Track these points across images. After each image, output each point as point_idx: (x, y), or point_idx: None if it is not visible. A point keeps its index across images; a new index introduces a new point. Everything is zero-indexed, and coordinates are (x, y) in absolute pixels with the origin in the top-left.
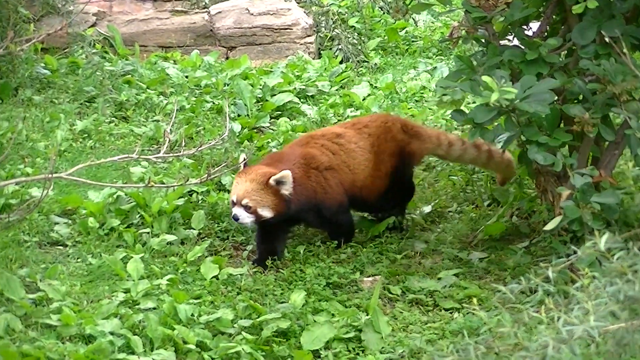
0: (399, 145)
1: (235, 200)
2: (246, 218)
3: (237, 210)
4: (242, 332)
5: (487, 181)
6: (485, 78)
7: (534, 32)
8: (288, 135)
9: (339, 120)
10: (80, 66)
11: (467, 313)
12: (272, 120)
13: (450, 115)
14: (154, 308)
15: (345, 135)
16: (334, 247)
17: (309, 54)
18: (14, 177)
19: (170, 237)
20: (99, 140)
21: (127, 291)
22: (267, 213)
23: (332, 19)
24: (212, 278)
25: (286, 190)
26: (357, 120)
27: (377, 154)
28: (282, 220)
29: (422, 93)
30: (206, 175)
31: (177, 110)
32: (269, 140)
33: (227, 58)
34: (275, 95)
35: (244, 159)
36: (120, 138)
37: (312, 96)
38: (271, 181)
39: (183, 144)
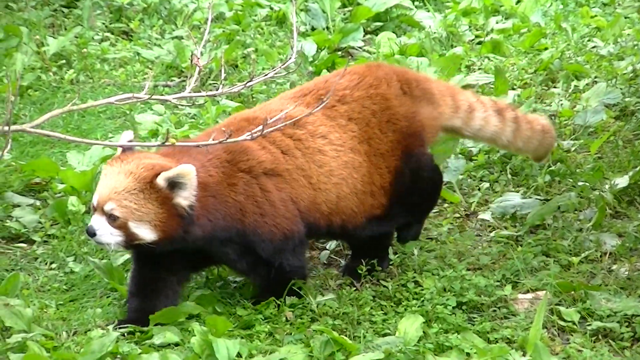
0: (404, 122)
1: (95, 204)
2: (108, 235)
3: (96, 221)
4: None
5: None
6: None
7: None
8: (393, 62)
9: (476, 42)
10: None
11: None
12: (368, 36)
13: None
14: (176, 344)
15: (307, 122)
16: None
17: None
18: None
19: None
20: (84, 70)
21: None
22: (145, 233)
23: None
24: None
25: (184, 199)
26: (322, 83)
27: (368, 150)
28: (175, 251)
29: None
30: (260, 127)
31: (212, 20)
32: None
33: None
34: None
35: (130, 139)
36: (120, 66)
37: None
38: (159, 180)
39: (222, 75)
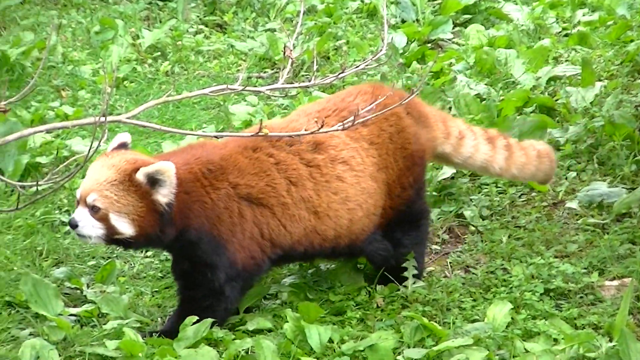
0: (415, 146)
1: (79, 197)
2: (90, 228)
3: (79, 213)
4: None
5: None
6: None
7: None
8: (482, 54)
9: (563, 34)
10: None
11: None
12: (457, 29)
13: None
14: (269, 330)
15: (329, 146)
16: (165, 321)
17: None
18: (43, 120)
19: None
20: (178, 62)
21: None
22: (124, 227)
23: None
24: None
25: (163, 196)
26: (340, 102)
27: (385, 178)
28: (152, 247)
29: None
30: (351, 118)
31: (303, 12)
32: (452, 61)
33: None
34: None
35: (123, 143)
36: (214, 58)
37: None
38: (139, 174)
39: (314, 67)
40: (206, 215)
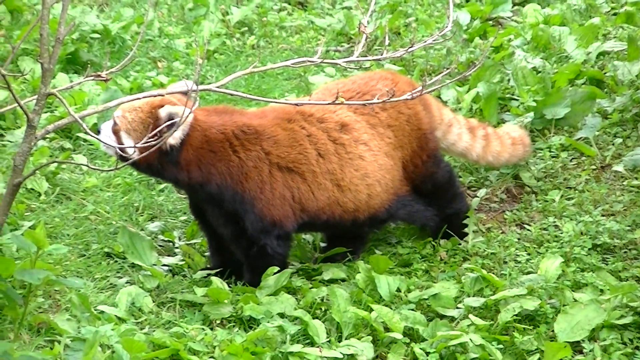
0: (426, 126)
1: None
2: (107, 137)
3: (107, 123)
4: (470, 316)
5: None
6: None
7: None
8: (538, 31)
9: (612, 13)
10: None
11: None
12: (516, 8)
13: None
14: (342, 280)
15: (353, 128)
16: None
17: None
18: (141, 88)
19: None
20: (263, 37)
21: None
22: (129, 149)
23: None
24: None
25: (172, 137)
26: (363, 85)
27: (401, 156)
28: (166, 180)
29: None
30: (419, 87)
31: None
32: (511, 37)
33: None
34: None
35: (190, 89)
36: (296, 33)
37: None
38: (162, 110)
39: (386, 42)
40: (230, 172)
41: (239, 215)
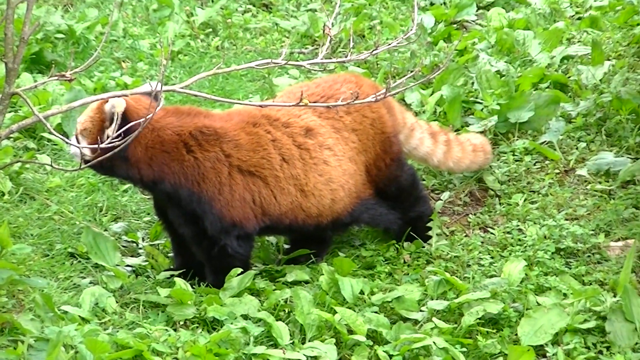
0: (389, 129)
1: None
2: (74, 140)
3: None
4: (434, 319)
5: None
6: None
7: None
8: (502, 34)
9: (576, 17)
10: None
11: None
12: (480, 11)
13: None
14: (306, 282)
15: (318, 133)
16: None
17: None
18: (105, 89)
19: None
20: (228, 38)
21: (265, 256)
22: (85, 149)
23: None
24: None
25: (111, 130)
26: (327, 89)
27: (364, 160)
28: (127, 181)
29: None
30: (383, 90)
31: None
32: (475, 40)
33: None
34: None
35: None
36: (260, 35)
37: None
38: (106, 106)
39: (351, 44)
40: (185, 172)
41: (198, 216)
